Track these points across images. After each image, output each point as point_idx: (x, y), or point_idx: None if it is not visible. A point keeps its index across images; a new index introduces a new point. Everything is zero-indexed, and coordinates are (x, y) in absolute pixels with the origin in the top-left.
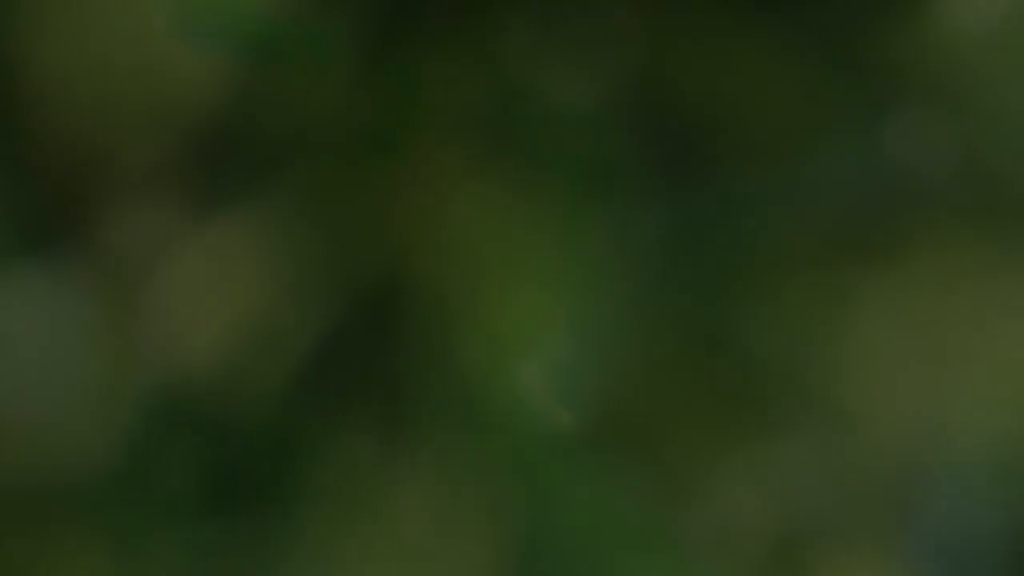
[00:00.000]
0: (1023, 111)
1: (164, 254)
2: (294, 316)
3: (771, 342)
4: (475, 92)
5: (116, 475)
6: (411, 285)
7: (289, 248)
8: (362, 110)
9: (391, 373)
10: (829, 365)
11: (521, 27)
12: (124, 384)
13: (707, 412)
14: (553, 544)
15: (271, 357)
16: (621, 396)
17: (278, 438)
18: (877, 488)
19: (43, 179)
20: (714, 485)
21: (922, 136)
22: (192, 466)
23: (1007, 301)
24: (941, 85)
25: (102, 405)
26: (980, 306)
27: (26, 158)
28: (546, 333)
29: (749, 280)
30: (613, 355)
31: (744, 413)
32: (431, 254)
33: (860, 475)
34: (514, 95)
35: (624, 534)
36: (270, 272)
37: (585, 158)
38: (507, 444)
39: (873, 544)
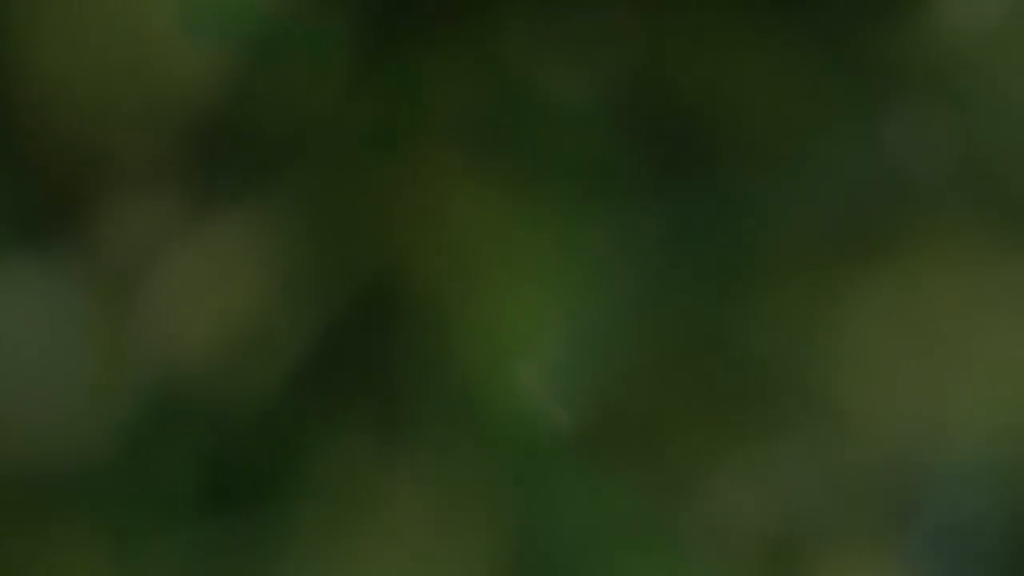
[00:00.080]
0: (1023, 110)
1: (162, 251)
2: (292, 314)
3: (770, 342)
4: (475, 92)
5: (113, 471)
6: (410, 284)
7: (287, 246)
8: (362, 109)
9: (390, 372)
10: (828, 365)
11: (521, 27)
12: (121, 381)
13: (707, 412)
14: (552, 544)
15: (268, 355)
16: (620, 396)
17: (276, 436)
18: (876, 488)
19: (41, 175)
20: (714, 485)
21: (922, 135)
22: (190, 463)
23: (1006, 300)
24: (941, 84)
25: (99, 402)
26: (979, 305)
27: (24, 154)
28: (545, 333)
29: (749, 280)
30: (612, 355)
31: (744, 413)
32: (430, 253)
33: (860, 475)
34: (514, 95)
35: (623, 534)
36: (268, 269)
37: (585, 158)
38: (506, 444)
39: (872, 543)
